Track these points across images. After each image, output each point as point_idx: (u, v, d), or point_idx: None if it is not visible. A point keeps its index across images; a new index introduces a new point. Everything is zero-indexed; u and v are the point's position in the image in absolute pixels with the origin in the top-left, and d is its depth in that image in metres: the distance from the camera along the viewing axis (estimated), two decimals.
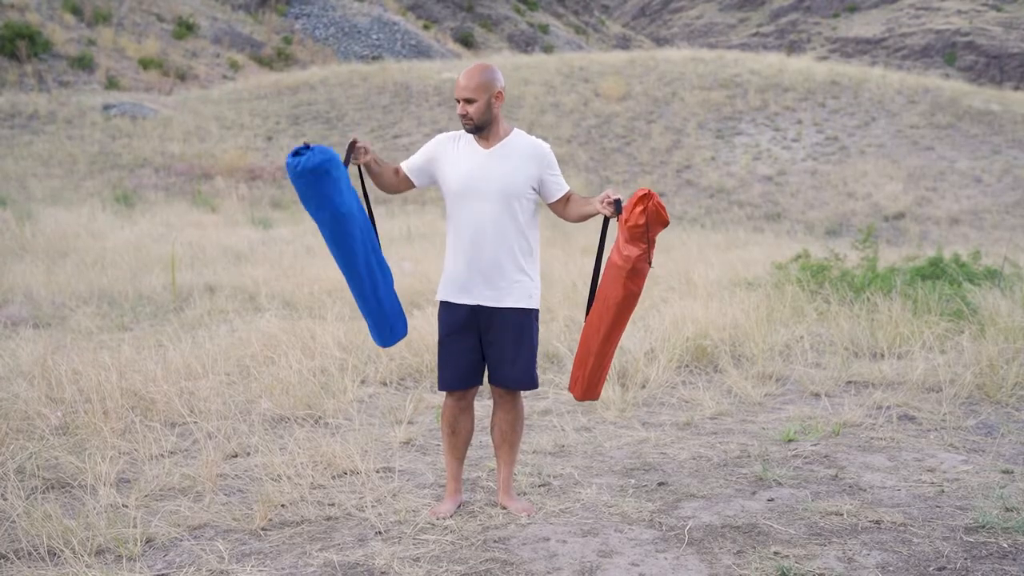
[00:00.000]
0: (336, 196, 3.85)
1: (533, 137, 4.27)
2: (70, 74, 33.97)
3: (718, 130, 26.19)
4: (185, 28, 42.38)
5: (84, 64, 34.70)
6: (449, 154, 4.20)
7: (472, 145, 4.18)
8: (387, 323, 4.17)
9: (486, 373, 4.35)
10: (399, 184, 4.26)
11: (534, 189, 4.20)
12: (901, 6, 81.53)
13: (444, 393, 4.34)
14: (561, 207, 4.27)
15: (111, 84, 34.06)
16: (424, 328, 7.26)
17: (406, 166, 4.27)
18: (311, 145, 3.81)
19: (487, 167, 4.13)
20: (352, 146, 4.00)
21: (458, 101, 4.11)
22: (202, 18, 45.09)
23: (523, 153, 4.18)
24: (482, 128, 4.13)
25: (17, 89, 30.58)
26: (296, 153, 3.79)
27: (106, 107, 27.56)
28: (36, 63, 33.30)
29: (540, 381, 6.69)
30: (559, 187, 4.24)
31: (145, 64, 37.29)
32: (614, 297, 4.03)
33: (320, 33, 49.50)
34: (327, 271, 11.09)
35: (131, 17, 41.40)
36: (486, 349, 4.23)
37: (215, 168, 23.63)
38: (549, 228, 15.78)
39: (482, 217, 4.11)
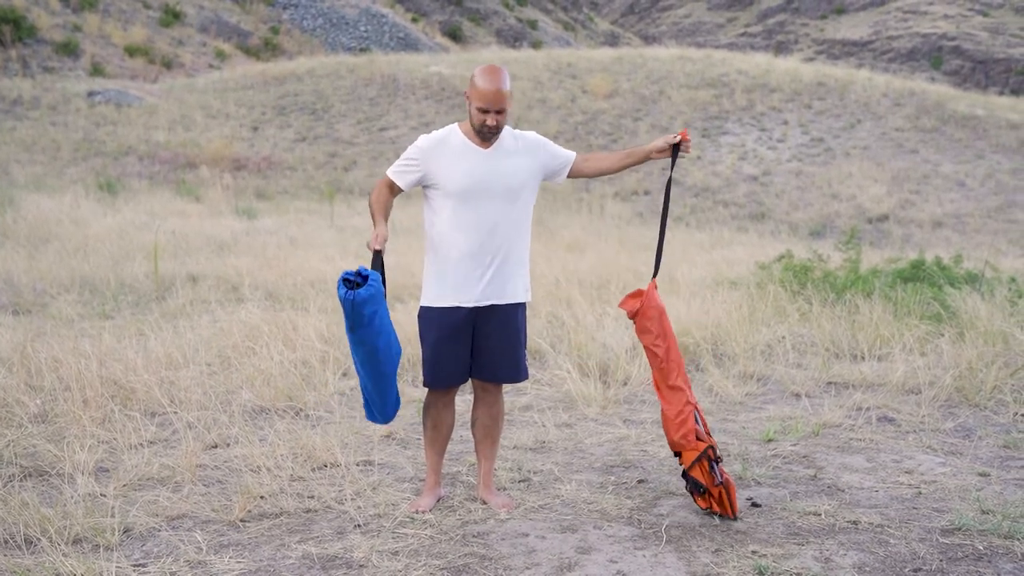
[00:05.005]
0: (373, 330, 3.90)
1: (520, 131, 4.26)
2: (55, 60, 33.73)
3: (704, 129, 26.25)
4: (172, 16, 42.14)
5: (69, 50, 34.46)
6: (442, 158, 4.09)
7: (468, 145, 4.11)
8: (390, 406, 4.17)
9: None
10: None
11: (534, 182, 4.21)
12: (888, 9, 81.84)
13: (426, 387, 4.33)
14: (579, 167, 4.32)
15: (96, 71, 33.84)
16: (406, 321, 7.25)
17: (404, 184, 4.15)
18: (365, 273, 3.84)
19: (491, 167, 4.09)
20: (379, 258, 4.02)
21: (485, 111, 4.00)
22: (189, 6, 44.84)
23: (521, 149, 4.17)
24: (498, 135, 4.10)
25: (1, 74, 30.34)
26: (347, 280, 3.84)
27: (91, 94, 27.40)
28: (21, 48, 33.05)
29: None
30: (566, 159, 4.28)
31: (131, 51, 37.06)
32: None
33: (308, 24, 49.31)
34: (310, 262, 11.07)
35: (117, 4, 41.12)
36: (480, 344, 4.21)
37: (200, 157, 23.53)
38: (533, 223, 15.78)
39: (490, 216, 4.07)
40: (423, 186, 4.18)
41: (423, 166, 4.11)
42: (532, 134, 4.27)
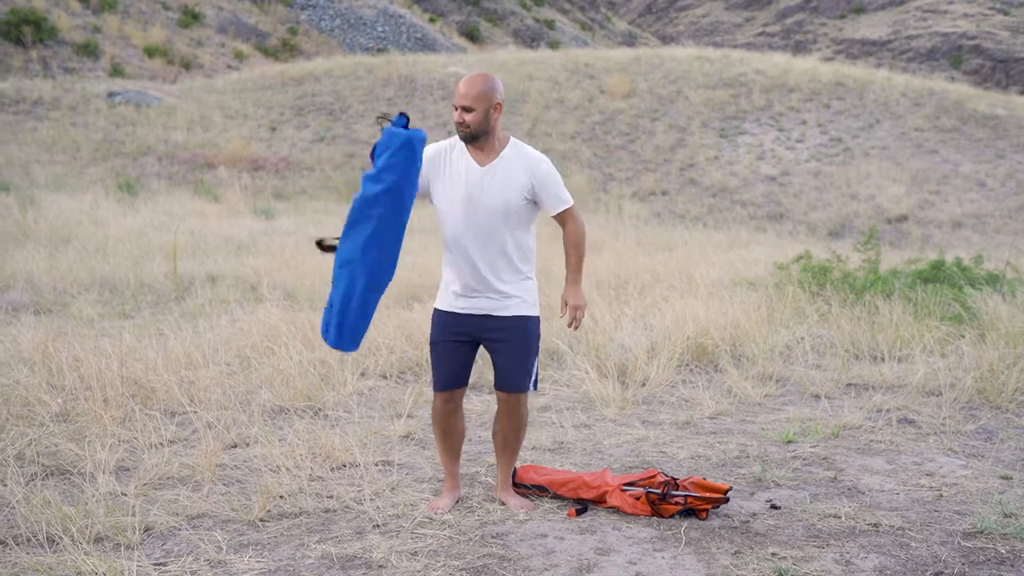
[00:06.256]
0: (413, 183, 3.90)
1: (531, 149, 4.19)
2: (75, 61, 33.95)
3: (722, 129, 26.16)
4: (191, 17, 42.33)
5: (89, 51, 34.68)
6: (443, 169, 4.14)
7: (467, 159, 4.11)
8: (360, 329, 4.01)
9: (491, 379, 4.35)
10: None
11: (529, 200, 4.15)
12: (907, 8, 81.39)
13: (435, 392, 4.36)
14: (560, 223, 4.25)
15: (116, 71, 34.04)
16: (425, 322, 7.26)
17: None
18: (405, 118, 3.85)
19: (484, 185, 4.07)
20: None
21: (456, 108, 4.06)
22: (208, 7, 45.04)
23: (518, 167, 4.12)
24: (477, 137, 4.07)
25: (22, 75, 30.57)
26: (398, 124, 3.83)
27: (110, 94, 27.54)
28: (41, 49, 33.28)
29: (541, 378, 6.73)
30: (555, 205, 4.18)
31: (150, 52, 37.26)
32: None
33: (326, 24, 49.45)
34: (328, 263, 11.08)
35: (137, 5, 41.35)
36: (491, 356, 4.26)
37: (218, 158, 23.60)
38: (551, 224, 15.76)
39: (481, 232, 4.08)
40: (423, 194, 4.20)
41: (425, 171, 4.13)
42: (540, 158, 4.18)
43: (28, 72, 31.25)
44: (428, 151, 4.15)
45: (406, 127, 3.87)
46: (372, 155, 3.89)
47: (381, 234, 3.89)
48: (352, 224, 3.91)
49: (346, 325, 3.97)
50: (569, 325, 4.24)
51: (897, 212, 20.66)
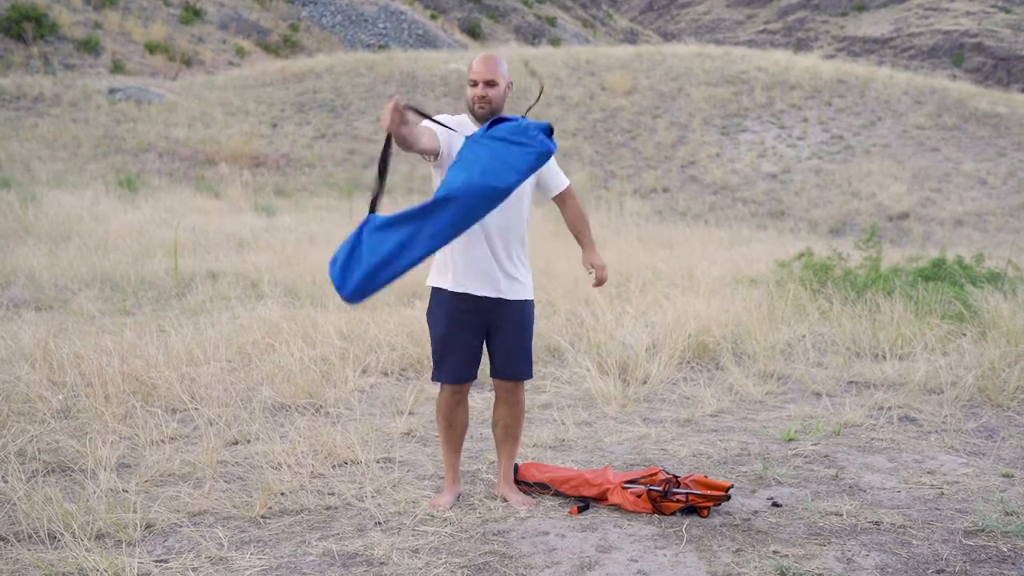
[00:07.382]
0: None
1: None
2: (76, 57, 33.94)
3: (723, 127, 26.14)
4: (192, 13, 42.32)
5: (90, 47, 34.67)
6: (458, 143, 4.09)
7: None
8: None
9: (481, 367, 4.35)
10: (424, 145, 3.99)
11: (532, 183, 4.23)
12: (909, 6, 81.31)
13: (434, 381, 4.34)
14: (561, 203, 4.38)
15: (116, 68, 34.01)
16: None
17: (439, 130, 4.01)
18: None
19: None
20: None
21: (474, 84, 4.04)
22: (209, 3, 45.02)
23: None
24: (493, 115, 4.08)
25: (23, 71, 30.56)
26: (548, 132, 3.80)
27: (111, 91, 27.52)
28: (42, 45, 33.27)
29: (541, 375, 6.74)
30: (559, 184, 4.33)
31: (151, 49, 37.25)
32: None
33: (327, 21, 49.43)
34: (328, 259, 11.08)
35: (138, 1, 41.33)
36: (492, 343, 4.24)
37: (219, 154, 23.59)
38: (552, 221, 15.76)
39: (500, 213, 4.04)
40: (434, 161, 4.07)
41: (447, 133, 4.06)
42: None
43: (29, 68, 31.24)
44: (450, 120, 4.09)
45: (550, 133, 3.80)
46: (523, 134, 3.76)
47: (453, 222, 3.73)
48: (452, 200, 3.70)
49: (384, 266, 3.79)
50: (599, 284, 4.36)
51: (898, 210, 20.65)
